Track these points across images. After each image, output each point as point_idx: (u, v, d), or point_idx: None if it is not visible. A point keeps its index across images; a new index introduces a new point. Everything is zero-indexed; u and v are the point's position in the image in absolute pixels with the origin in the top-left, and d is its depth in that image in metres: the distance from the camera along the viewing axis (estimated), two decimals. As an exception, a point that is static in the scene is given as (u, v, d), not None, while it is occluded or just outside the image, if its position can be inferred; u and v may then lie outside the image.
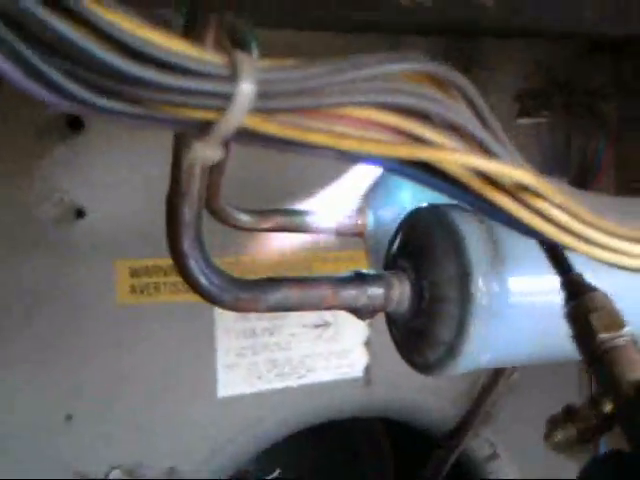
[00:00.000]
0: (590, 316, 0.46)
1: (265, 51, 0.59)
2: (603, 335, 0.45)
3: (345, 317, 0.59)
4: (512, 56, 1.16)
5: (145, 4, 0.33)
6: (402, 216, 0.64)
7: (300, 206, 0.78)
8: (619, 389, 0.44)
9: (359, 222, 0.78)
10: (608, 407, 0.45)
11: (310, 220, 0.77)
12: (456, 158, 0.33)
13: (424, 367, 0.60)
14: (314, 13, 0.43)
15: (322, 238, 0.83)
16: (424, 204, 0.61)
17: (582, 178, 1.17)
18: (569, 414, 0.49)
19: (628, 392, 0.43)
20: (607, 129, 1.15)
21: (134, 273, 0.97)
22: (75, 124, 0.91)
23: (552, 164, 1.21)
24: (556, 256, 0.51)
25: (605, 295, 0.48)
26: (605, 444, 1.10)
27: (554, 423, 0.50)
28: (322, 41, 1.02)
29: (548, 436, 0.50)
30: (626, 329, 0.46)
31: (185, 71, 0.28)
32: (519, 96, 1.17)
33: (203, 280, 0.52)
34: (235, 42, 0.55)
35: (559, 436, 0.49)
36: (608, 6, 0.43)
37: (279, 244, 1.02)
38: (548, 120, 1.18)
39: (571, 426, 0.48)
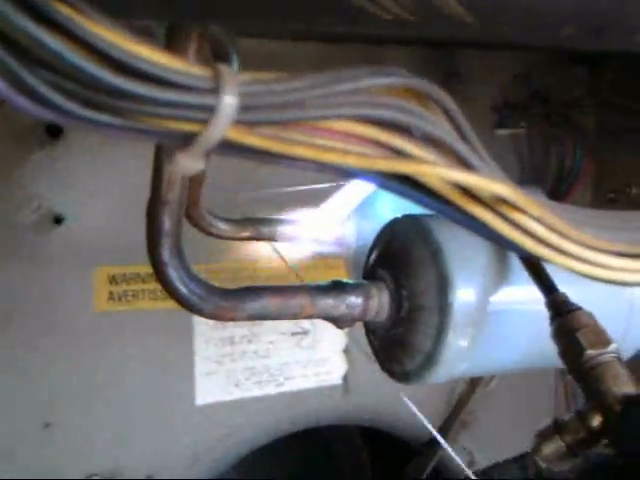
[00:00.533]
0: (577, 334, 0.47)
1: (246, 60, 0.60)
2: (590, 352, 0.46)
3: (323, 325, 0.60)
4: (491, 67, 1.17)
5: (127, 15, 0.34)
6: (381, 226, 0.65)
7: (279, 215, 0.79)
8: (606, 403, 0.45)
9: (338, 231, 0.79)
10: (596, 421, 0.46)
11: (288, 229, 0.77)
12: (435, 171, 0.34)
13: (402, 376, 0.60)
14: (296, 25, 0.44)
15: (300, 246, 0.83)
16: (403, 214, 0.62)
17: (559, 188, 1.17)
18: (557, 428, 0.49)
19: (614, 406, 0.44)
20: (584, 140, 1.16)
21: (112, 280, 0.97)
22: (54, 130, 0.91)
23: (530, 174, 1.22)
24: (539, 275, 0.52)
25: (590, 314, 0.49)
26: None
27: (542, 437, 0.51)
28: (302, 51, 1.03)
29: (537, 450, 0.50)
30: (612, 346, 0.47)
31: (169, 84, 0.28)
32: (497, 107, 1.18)
33: (183, 289, 0.52)
34: (217, 53, 0.55)
35: (547, 450, 0.50)
36: (588, 23, 0.44)
37: (257, 251, 1.02)
38: (526, 131, 1.19)
39: (559, 439, 0.49)
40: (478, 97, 1.17)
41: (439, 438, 1.05)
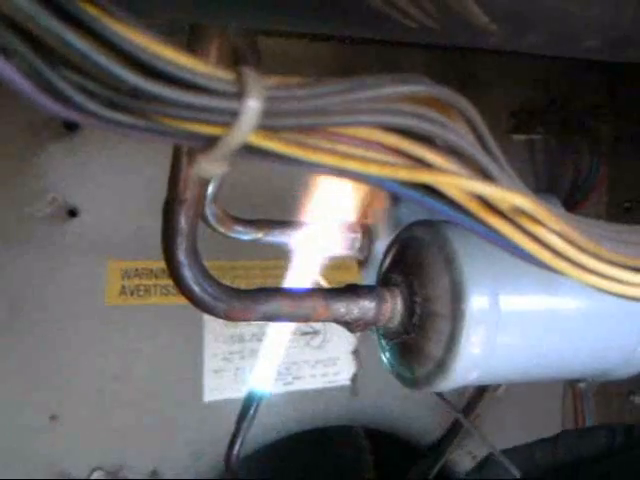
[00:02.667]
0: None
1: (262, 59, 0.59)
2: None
3: (334, 326, 0.60)
4: (509, 72, 1.17)
5: (145, 14, 0.34)
6: (397, 231, 0.64)
7: (294, 217, 0.79)
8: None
9: (353, 236, 0.79)
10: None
11: (304, 232, 0.77)
12: (456, 182, 0.34)
13: (412, 382, 0.60)
14: (320, 29, 0.44)
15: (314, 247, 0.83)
16: (419, 219, 0.61)
17: (574, 196, 1.17)
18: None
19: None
20: (601, 148, 1.16)
21: (125, 274, 0.97)
22: (71, 123, 0.91)
23: (545, 181, 1.22)
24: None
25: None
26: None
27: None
28: (318, 51, 1.03)
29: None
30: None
31: (193, 87, 0.28)
32: (514, 112, 1.18)
33: (196, 288, 0.52)
34: (238, 54, 0.55)
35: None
36: (611, 36, 0.43)
37: (271, 251, 1.02)
38: (543, 137, 1.19)
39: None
40: (495, 101, 1.17)
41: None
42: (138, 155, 0.95)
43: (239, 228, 0.74)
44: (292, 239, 0.77)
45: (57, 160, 0.92)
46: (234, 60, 0.53)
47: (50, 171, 0.92)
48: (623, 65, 1.13)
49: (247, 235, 0.74)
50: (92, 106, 0.27)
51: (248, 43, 0.57)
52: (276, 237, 0.76)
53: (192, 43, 0.46)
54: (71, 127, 0.92)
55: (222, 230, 0.72)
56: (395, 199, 0.75)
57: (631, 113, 1.15)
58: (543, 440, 0.93)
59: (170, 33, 0.32)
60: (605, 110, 1.20)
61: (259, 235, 0.75)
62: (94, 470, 0.97)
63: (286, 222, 0.77)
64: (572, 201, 1.16)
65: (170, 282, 0.53)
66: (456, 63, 1.12)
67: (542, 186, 1.21)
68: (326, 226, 0.78)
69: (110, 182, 0.95)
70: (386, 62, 1.07)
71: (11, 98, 0.85)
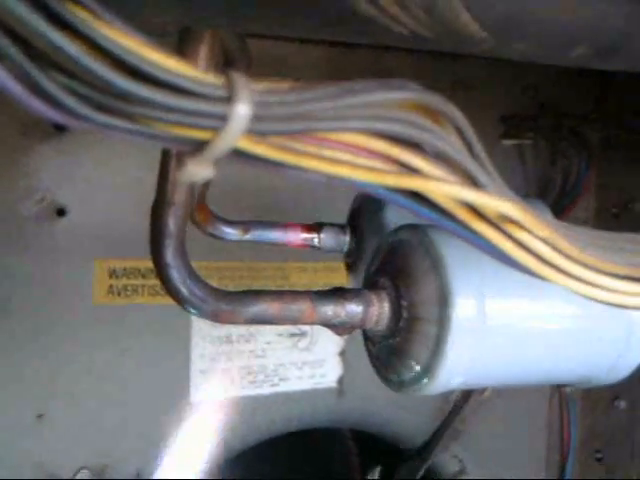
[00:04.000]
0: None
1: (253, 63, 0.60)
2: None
3: (321, 328, 0.60)
4: (499, 77, 1.17)
5: (135, 17, 0.34)
6: (384, 234, 0.65)
7: (282, 218, 0.79)
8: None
9: (340, 238, 0.79)
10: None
11: (292, 233, 0.77)
12: (443, 189, 0.34)
13: (398, 385, 0.60)
14: (312, 34, 0.44)
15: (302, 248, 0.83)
16: (406, 223, 0.62)
17: (563, 201, 1.18)
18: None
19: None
20: (590, 154, 1.16)
21: (113, 274, 0.97)
22: (60, 124, 0.91)
23: (534, 186, 1.22)
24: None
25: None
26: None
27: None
28: (309, 54, 1.03)
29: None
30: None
31: (182, 91, 0.29)
32: (504, 117, 1.18)
33: (184, 290, 0.52)
34: (228, 56, 0.55)
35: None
36: (600, 44, 0.44)
37: (259, 252, 1.03)
38: (532, 142, 1.19)
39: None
40: (484, 106, 1.17)
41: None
42: (127, 155, 0.95)
43: (226, 229, 0.74)
44: (280, 240, 0.77)
45: (46, 160, 0.92)
46: (224, 63, 0.53)
47: (39, 170, 0.92)
48: (614, 74, 1.14)
49: (234, 236, 0.74)
50: (82, 109, 0.27)
51: (238, 45, 0.57)
52: (263, 238, 0.76)
53: (182, 46, 0.46)
54: (60, 127, 0.92)
55: (210, 231, 0.72)
56: (383, 203, 0.75)
57: (620, 119, 1.16)
58: None
59: (160, 36, 0.32)
60: (594, 116, 1.20)
61: (246, 236, 0.75)
62: (80, 469, 0.97)
63: (274, 223, 0.77)
64: (560, 206, 1.16)
65: (158, 282, 0.53)
66: (447, 68, 1.13)
67: (531, 191, 1.22)
68: (314, 228, 0.78)
69: (99, 182, 0.95)
70: (377, 66, 1.07)
71: (0, 99, 0.85)
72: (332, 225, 0.79)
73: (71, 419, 0.96)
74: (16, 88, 0.26)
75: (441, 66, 1.11)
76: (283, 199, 1.03)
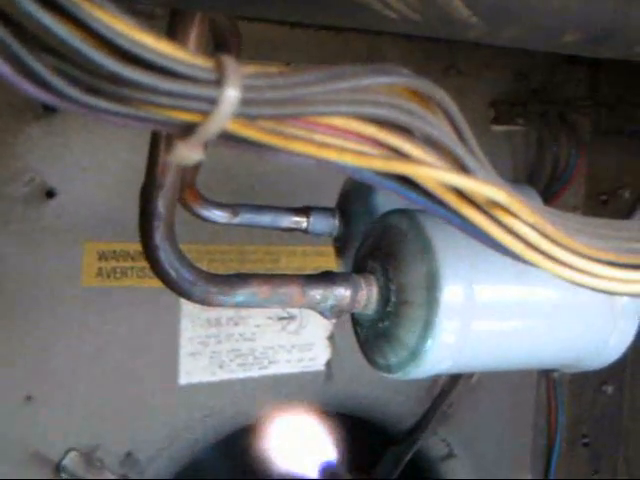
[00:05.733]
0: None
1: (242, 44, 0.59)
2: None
3: (310, 311, 0.60)
4: (489, 62, 1.17)
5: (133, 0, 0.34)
6: (373, 218, 0.65)
7: (272, 202, 0.79)
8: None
9: (329, 222, 0.79)
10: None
11: (281, 217, 0.77)
12: (432, 174, 0.34)
13: (386, 369, 0.61)
14: (300, 17, 0.44)
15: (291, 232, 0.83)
16: (395, 208, 0.62)
17: (552, 187, 1.18)
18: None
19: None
20: (579, 140, 1.16)
21: (102, 256, 0.97)
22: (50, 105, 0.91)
23: (524, 172, 1.23)
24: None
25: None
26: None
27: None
28: (300, 37, 1.03)
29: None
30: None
31: (172, 73, 0.29)
32: (494, 103, 1.18)
33: (172, 272, 0.52)
34: (218, 40, 0.55)
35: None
36: (591, 31, 0.44)
37: (248, 236, 1.03)
38: (522, 128, 1.19)
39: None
40: (475, 91, 1.17)
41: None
42: (117, 137, 0.95)
43: (216, 212, 0.74)
44: (269, 224, 0.77)
45: (35, 141, 0.91)
46: (214, 46, 0.53)
47: (28, 152, 0.91)
48: (605, 58, 1.14)
49: (224, 219, 0.74)
50: (71, 91, 0.28)
51: (229, 29, 0.57)
52: (253, 221, 0.76)
53: (172, 29, 0.46)
54: (50, 108, 0.91)
55: (199, 213, 0.72)
56: (372, 187, 0.75)
57: (612, 106, 1.16)
58: None
59: (149, 18, 0.32)
60: (586, 102, 1.20)
61: (236, 219, 0.75)
62: (69, 451, 0.97)
63: (263, 206, 0.77)
64: (550, 192, 1.17)
65: (147, 265, 0.53)
66: (438, 53, 1.13)
67: (521, 177, 1.22)
68: (303, 212, 0.78)
69: (89, 164, 0.95)
70: (368, 51, 1.07)
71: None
72: (321, 209, 0.79)
73: (60, 401, 0.96)
74: (5, 69, 0.26)
75: (432, 51, 1.11)
76: (271, 182, 1.03)
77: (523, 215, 0.37)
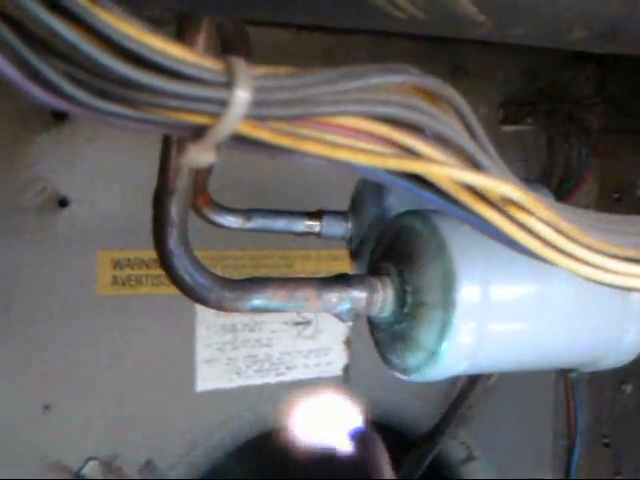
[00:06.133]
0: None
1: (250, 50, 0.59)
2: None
3: (326, 316, 0.60)
4: (498, 62, 1.17)
5: (141, 5, 0.34)
6: (387, 220, 0.64)
7: (285, 206, 0.79)
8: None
9: (342, 225, 0.79)
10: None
11: (294, 221, 0.77)
12: (445, 171, 0.34)
13: (404, 371, 0.60)
14: (307, 19, 0.44)
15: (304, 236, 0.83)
16: (409, 209, 0.61)
17: (564, 186, 1.17)
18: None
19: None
20: (590, 139, 1.16)
21: (116, 264, 0.97)
22: (60, 113, 0.91)
23: (535, 172, 1.22)
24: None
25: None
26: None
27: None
28: (307, 41, 1.03)
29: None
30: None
31: (182, 76, 0.29)
32: (503, 103, 1.18)
33: (187, 278, 0.52)
34: (226, 43, 0.55)
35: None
36: (598, 27, 0.44)
37: (262, 240, 1.03)
38: (532, 128, 1.19)
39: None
40: (484, 92, 1.17)
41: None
42: (127, 144, 0.95)
43: (228, 217, 0.73)
44: (282, 228, 0.77)
45: (46, 150, 0.92)
46: (222, 50, 0.53)
47: (40, 161, 0.92)
48: (612, 55, 1.14)
49: (236, 224, 0.74)
50: (81, 95, 0.27)
51: (237, 32, 0.57)
52: (265, 226, 0.76)
53: (181, 33, 0.46)
54: (60, 117, 0.92)
55: (212, 219, 0.72)
56: (384, 189, 0.75)
57: (621, 104, 1.15)
58: None
59: (158, 23, 0.32)
60: (595, 100, 1.20)
61: (248, 224, 0.75)
62: (88, 460, 0.97)
63: (275, 211, 0.77)
64: (562, 192, 1.16)
65: (162, 272, 0.53)
66: (444, 54, 1.12)
67: (532, 177, 1.21)
68: (316, 215, 0.78)
69: (100, 171, 0.95)
70: (375, 53, 1.07)
71: (-1, 89, 0.85)
72: (334, 212, 0.79)
73: (78, 410, 0.96)
74: (15, 75, 0.26)
75: (440, 52, 1.11)
76: (279, 187, 1.03)
77: (538, 212, 0.37)
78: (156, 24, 0.29)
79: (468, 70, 1.13)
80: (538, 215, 0.37)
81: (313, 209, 0.79)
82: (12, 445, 0.93)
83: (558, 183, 1.19)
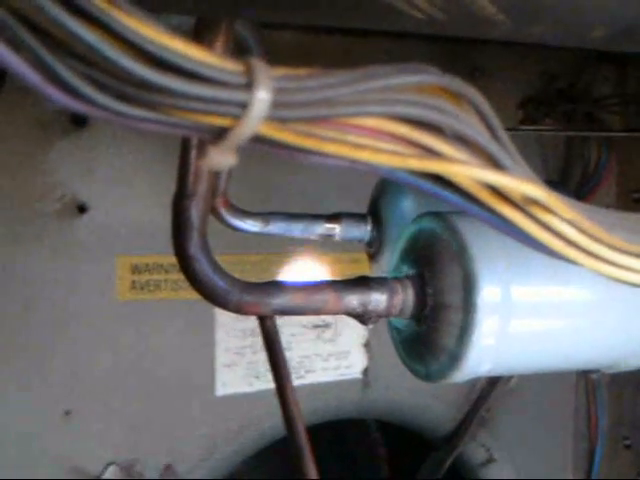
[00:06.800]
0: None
1: (269, 53, 0.59)
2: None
3: (345, 319, 0.59)
4: (516, 63, 1.17)
5: (152, 9, 0.34)
6: (407, 222, 0.64)
7: (304, 209, 0.78)
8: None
9: (361, 227, 0.78)
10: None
11: (313, 224, 0.77)
12: (467, 171, 0.33)
13: (425, 374, 0.60)
14: (325, 20, 0.44)
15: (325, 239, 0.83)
16: (428, 211, 0.61)
17: (583, 187, 1.17)
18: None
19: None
20: (609, 139, 1.15)
21: (135, 270, 0.97)
22: (79, 119, 0.92)
23: (554, 172, 1.22)
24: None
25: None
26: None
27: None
28: (324, 43, 1.03)
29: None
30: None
31: (202, 78, 0.28)
32: (522, 103, 1.18)
33: (207, 282, 0.52)
34: (242, 46, 0.55)
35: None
36: (618, 25, 0.43)
37: (282, 244, 1.03)
38: (551, 128, 1.18)
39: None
40: (502, 93, 1.16)
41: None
42: (146, 150, 0.96)
43: (248, 221, 0.73)
44: (300, 232, 0.76)
45: (65, 156, 0.92)
46: (240, 53, 0.53)
47: (59, 167, 0.92)
48: (632, 55, 1.13)
49: (255, 227, 0.74)
50: (101, 98, 0.27)
51: (253, 35, 0.57)
52: (284, 230, 0.76)
53: (198, 36, 0.46)
54: (79, 123, 0.92)
55: (231, 223, 0.72)
56: (404, 190, 0.75)
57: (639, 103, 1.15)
58: None
59: (175, 26, 0.32)
60: (614, 100, 1.19)
61: (267, 228, 0.75)
62: (108, 465, 0.97)
63: (294, 214, 0.77)
64: (581, 192, 1.16)
65: (180, 277, 0.53)
66: (462, 55, 1.12)
67: (551, 178, 1.21)
68: (335, 218, 0.77)
69: (119, 177, 0.95)
70: (392, 54, 1.06)
71: (18, 95, 0.85)
72: (352, 215, 0.79)
73: (98, 415, 0.97)
74: (34, 77, 0.26)
75: (458, 53, 1.11)
76: (295, 190, 1.03)
77: (561, 212, 0.36)
78: (172, 27, 0.29)
79: (486, 71, 1.13)
80: (561, 215, 0.36)
81: (331, 212, 0.79)
82: (33, 450, 0.93)
83: (577, 183, 1.18)
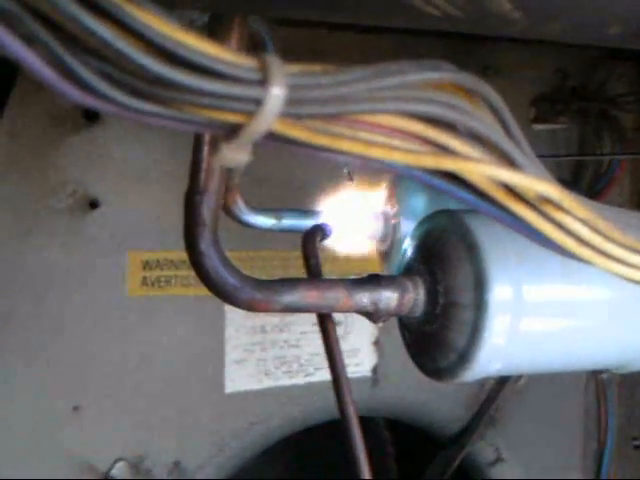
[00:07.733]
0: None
1: (283, 49, 0.59)
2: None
3: (355, 316, 0.59)
4: (529, 60, 1.16)
5: (167, 5, 0.34)
6: (417, 220, 0.64)
7: (315, 206, 0.78)
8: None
9: (374, 225, 0.78)
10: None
11: (325, 221, 0.76)
12: (481, 169, 0.33)
13: (435, 373, 0.60)
14: (342, 18, 0.44)
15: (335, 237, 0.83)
16: (441, 209, 0.61)
17: (596, 186, 1.16)
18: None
19: None
20: (622, 138, 1.15)
21: (146, 265, 0.97)
22: (91, 114, 0.92)
23: (568, 170, 1.21)
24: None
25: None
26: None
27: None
28: (337, 40, 1.03)
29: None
30: None
31: (216, 74, 0.28)
32: (535, 101, 1.17)
33: (218, 279, 0.51)
34: (256, 42, 0.55)
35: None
36: (634, 23, 0.43)
37: (291, 241, 1.02)
38: (564, 126, 1.18)
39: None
40: (515, 91, 1.16)
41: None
42: (158, 146, 0.95)
43: (259, 217, 0.73)
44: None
45: (77, 152, 0.92)
46: (254, 49, 0.53)
47: (70, 163, 0.92)
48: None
49: (267, 224, 0.74)
50: (115, 94, 0.27)
51: (266, 32, 0.56)
52: (295, 226, 0.75)
53: (212, 32, 0.46)
54: (91, 118, 0.92)
55: (242, 219, 0.72)
56: (416, 189, 0.75)
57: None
58: None
59: (189, 22, 0.31)
60: (628, 98, 1.19)
61: (279, 224, 0.74)
62: (117, 461, 0.97)
63: (306, 211, 0.77)
64: (594, 190, 1.15)
65: (191, 273, 0.53)
66: (476, 53, 1.12)
67: (564, 176, 1.20)
68: (347, 216, 0.77)
69: (130, 173, 0.95)
70: (406, 51, 1.06)
71: (31, 90, 0.85)
72: (366, 212, 0.79)
73: (107, 411, 0.97)
74: (48, 73, 0.26)
75: (471, 50, 1.10)
76: (305, 187, 1.03)
77: (574, 211, 0.36)
78: (186, 23, 0.29)
79: (499, 68, 1.13)
80: (574, 214, 0.36)
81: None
82: (41, 446, 0.93)
83: (590, 182, 1.18)
